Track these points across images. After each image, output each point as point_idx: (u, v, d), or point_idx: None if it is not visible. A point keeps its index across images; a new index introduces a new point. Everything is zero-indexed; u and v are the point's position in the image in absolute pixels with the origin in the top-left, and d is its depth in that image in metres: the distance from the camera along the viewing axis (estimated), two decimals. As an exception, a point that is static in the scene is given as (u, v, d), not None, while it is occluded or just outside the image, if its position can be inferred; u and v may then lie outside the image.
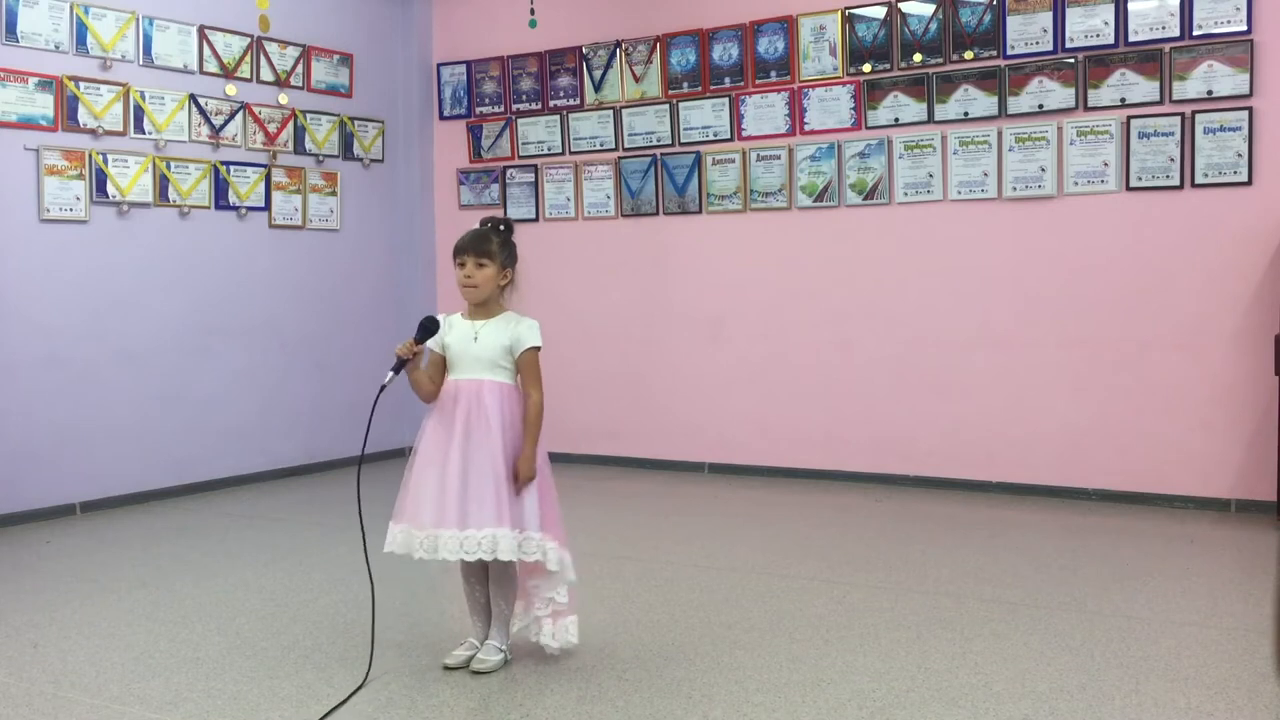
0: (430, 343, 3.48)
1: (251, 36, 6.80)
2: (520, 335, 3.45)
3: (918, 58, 6.28)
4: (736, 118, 6.83)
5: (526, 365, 3.46)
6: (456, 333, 3.48)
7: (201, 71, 6.58)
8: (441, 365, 3.49)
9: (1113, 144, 5.83)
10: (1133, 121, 5.78)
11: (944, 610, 4.05)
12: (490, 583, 3.52)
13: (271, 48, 6.95)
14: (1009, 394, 6.12)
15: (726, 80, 6.85)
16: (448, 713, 3.19)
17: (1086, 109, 5.90)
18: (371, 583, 3.58)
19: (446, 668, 3.50)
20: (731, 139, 6.86)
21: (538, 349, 3.47)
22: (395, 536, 3.44)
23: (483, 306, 3.50)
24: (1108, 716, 3.08)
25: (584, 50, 7.31)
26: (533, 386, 3.46)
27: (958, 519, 5.59)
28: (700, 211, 6.97)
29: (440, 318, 3.51)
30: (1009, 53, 6.06)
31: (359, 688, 3.34)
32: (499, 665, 3.47)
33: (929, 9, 6.25)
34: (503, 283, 3.50)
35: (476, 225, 3.54)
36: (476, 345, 3.44)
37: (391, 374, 3.39)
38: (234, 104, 6.74)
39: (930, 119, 6.27)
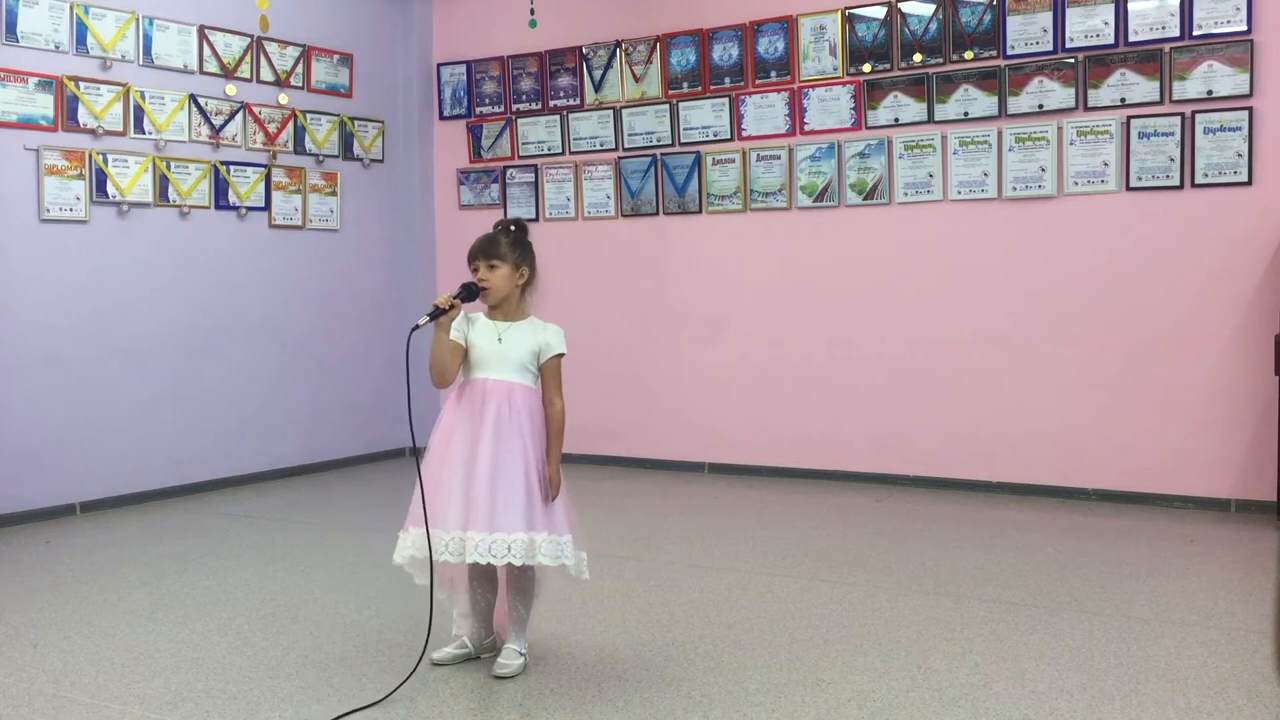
0: (454, 332, 3.44)
1: (251, 36, 6.80)
2: (549, 342, 3.45)
3: (918, 58, 6.28)
4: (736, 118, 6.83)
5: (550, 372, 3.45)
6: (479, 331, 3.45)
7: (201, 71, 6.58)
8: (461, 355, 3.46)
9: (1113, 144, 5.83)
10: (1133, 121, 5.78)
11: (944, 610, 4.05)
12: (509, 588, 3.50)
13: (271, 48, 6.95)
14: (1009, 394, 6.12)
15: (726, 80, 6.85)
16: (448, 713, 3.19)
17: (1086, 109, 5.90)
18: (431, 578, 3.56)
19: (435, 664, 3.51)
20: (731, 139, 6.86)
21: (562, 356, 3.47)
22: (409, 543, 3.39)
23: (502, 308, 3.48)
24: (1108, 716, 3.08)
25: (584, 50, 7.31)
26: (556, 394, 3.46)
27: (958, 519, 5.59)
28: (700, 211, 6.97)
29: (464, 315, 3.49)
30: (1009, 53, 6.06)
31: (411, 673, 3.34)
32: (520, 669, 3.45)
33: (929, 9, 6.25)
34: (519, 281, 3.48)
35: (489, 228, 3.54)
36: (503, 347, 3.42)
37: (426, 318, 3.35)
38: (234, 104, 6.74)
39: (930, 119, 6.27)
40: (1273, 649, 3.49)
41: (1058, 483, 6.02)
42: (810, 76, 6.59)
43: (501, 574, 3.52)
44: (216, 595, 4.38)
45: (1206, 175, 5.63)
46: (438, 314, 3.36)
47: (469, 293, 3.44)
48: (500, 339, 3.43)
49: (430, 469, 3.40)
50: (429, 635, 3.47)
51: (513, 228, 3.51)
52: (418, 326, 3.37)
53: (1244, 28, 5.53)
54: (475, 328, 3.47)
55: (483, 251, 3.45)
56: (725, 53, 6.84)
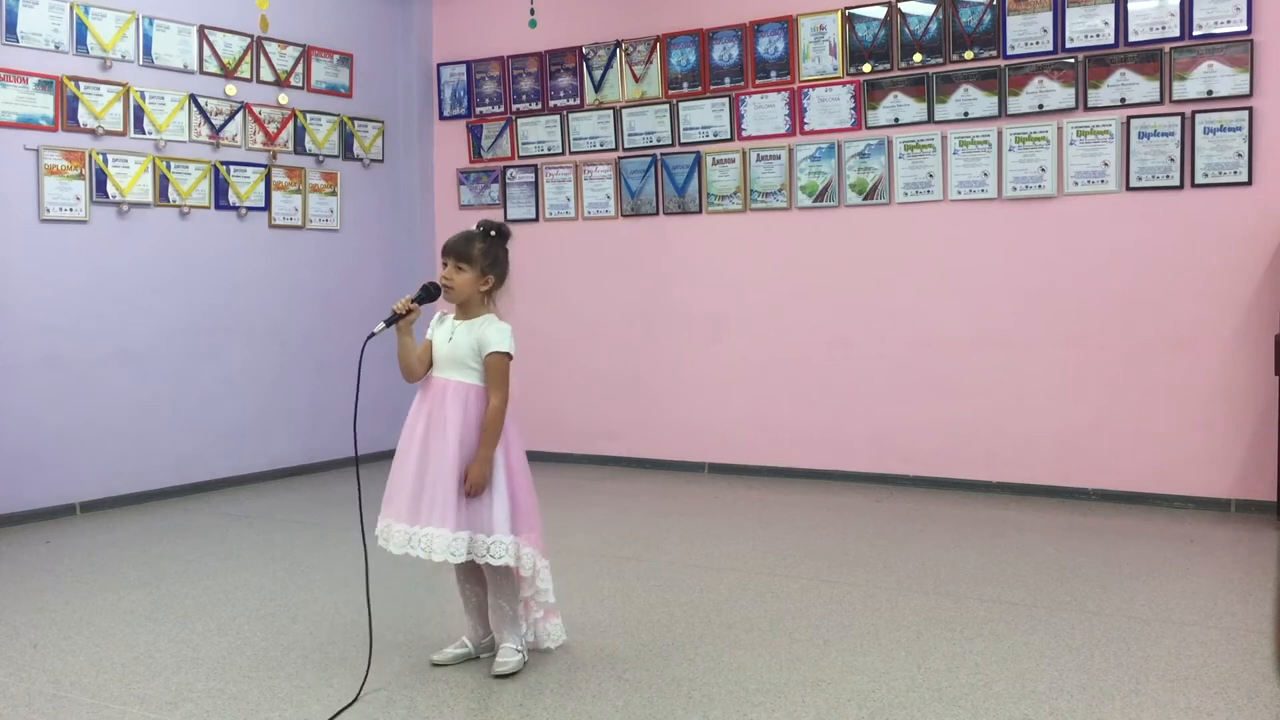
0: (428, 332, 3.51)
1: (251, 36, 6.80)
2: (487, 338, 3.40)
3: (918, 58, 6.28)
4: (736, 118, 6.83)
5: (490, 369, 3.41)
6: (441, 331, 3.50)
7: (201, 71, 6.58)
8: (429, 354, 3.51)
9: (1113, 144, 5.83)
10: (1133, 121, 5.78)
11: (944, 610, 4.05)
12: (490, 586, 3.52)
13: (271, 48, 6.95)
14: (1009, 394, 6.12)
15: (726, 80, 6.85)
16: (448, 713, 3.19)
17: (1086, 109, 5.90)
18: (367, 578, 3.58)
19: (434, 664, 3.52)
20: (731, 139, 6.86)
21: (505, 354, 3.40)
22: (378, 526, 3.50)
23: (464, 308, 3.50)
24: (1108, 716, 3.08)
25: (584, 50, 7.31)
26: (494, 391, 3.40)
27: (958, 519, 5.59)
28: (700, 211, 6.97)
29: (439, 314, 3.55)
30: (1009, 53, 6.06)
31: (359, 693, 3.34)
32: (519, 666, 3.46)
33: (929, 9, 6.25)
34: (483, 288, 3.46)
35: (473, 226, 3.52)
36: (449, 345, 3.45)
37: (382, 325, 3.39)
38: (234, 104, 6.74)
39: (930, 119, 6.27)
40: (1273, 649, 3.49)
41: (1058, 483, 6.02)
42: (810, 76, 6.59)
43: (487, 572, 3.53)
44: (216, 595, 4.38)
45: (1206, 175, 5.63)
46: (394, 319, 3.39)
47: (428, 294, 3.46)
48: (451, 337, 3.46)
49: (394, 461, 3.50)
50: (370, 621, 3.47)
51: (492, 233, 3.47)
52: (373, 334, 3.39)
53: (1244, 28, 5.52)
54: (442, 327, 3.52)
55: (454, 251, 3.45)
56: (725, 53, 6.84)
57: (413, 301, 3.43)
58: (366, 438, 7.48)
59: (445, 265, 3.46)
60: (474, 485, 3.34)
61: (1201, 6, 5.60)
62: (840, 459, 6.59)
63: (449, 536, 3.31)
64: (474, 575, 3.54)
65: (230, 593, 4.42)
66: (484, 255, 3.44)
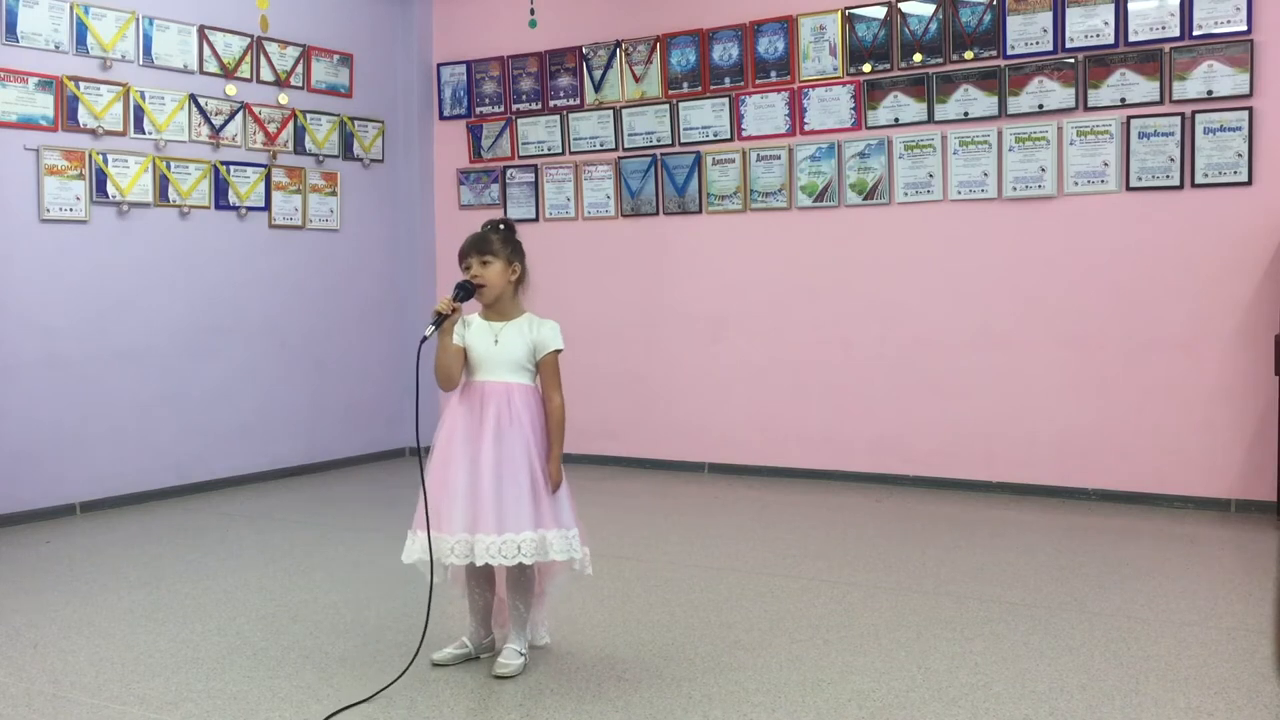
0: (454, 336, 3.45)
1: (251, 36, 6.80)
2: (544, 338, 3.44)
3: (918, 58, 6.28)
4: (736, 118, 6.83)
5: (548, 368, 3.44)
6: (475, 334, 3.45)
7: (201, 71, 6.58)
8: (463, 358, 3.47)
9: (1113, 144, 5.83)
10: (1133, 121, 5.78)
11: (944, 610, 4.05)
12: (508, 587, 3.51)
13: (271, 48, 6.95)
14: (1009, 394, 6.12)
15: (726, 80, 6.85)
16: (448, 713, 3.19)
17: (1086, 109, 5.90)
18: (432, 572, 3.54)
19: (435, 664, 3.52)
20: (731, 139, 6.86)
21: (560, 352, 3.46)
22: (419, 545, 3.39)
23: (497, 306, 3.47)
24: (1108, 716, 3.08)
25: (584, 50, 7.31)
26: (554, 389, 3.45)
27: (958, 519, 5.59)
28: (700, 211, 6.97)
29: (462, 319, 3.50)
30: (1009, 53, 6.06)
31: (402, 674, 3.34)
32: (520, 669, 3.45)
33: (929, 9, 6.25)
34: (512, 277, 3.47)
35: (478, 228, 3.54)
36: (499, 348, 3.41)
37: (432, 328, 3.36)
38: (234, 104, 6.74)
39: (930, 119, 6.27)
40: (1273, 649, 3.49)
41: (1058, 483, 6.02)
42: (810, 76, 6.59)
43: (499, 573, 3.53)
44: (216, 595, 4.38)
45: (1206, 175, 5.63)
46: (441, 320, 3.36)
47: (465, 292, 3.44)
48: (496, 340, 3.43)
49: (434, 472, 3.41)
50: (424, 634, 3.48)
51: (502, 226, 3.51)
52: (425, 338, 3.37)
53: (1244, 28, 5.53)
54: (471, 329, 3.47)
55: (475, 248, 3.46)
56: (725, 53, 6.84)
57: (454, 302, 3.41)
58: (369, 438, 7.51)
59: (469, 266, 3.45)
60: (557, 483, 3.39)
61: (1201, 6, 5.60)
62: (840, 459, 6.59)
63: (553, 535, 3.34)
64: (485, 578, 3.54)
65: (230, 593, 4.41)
66: (504, 245, 3.47)
